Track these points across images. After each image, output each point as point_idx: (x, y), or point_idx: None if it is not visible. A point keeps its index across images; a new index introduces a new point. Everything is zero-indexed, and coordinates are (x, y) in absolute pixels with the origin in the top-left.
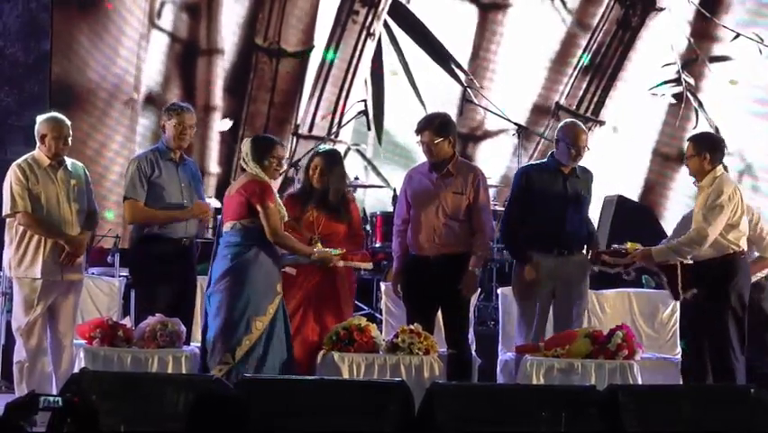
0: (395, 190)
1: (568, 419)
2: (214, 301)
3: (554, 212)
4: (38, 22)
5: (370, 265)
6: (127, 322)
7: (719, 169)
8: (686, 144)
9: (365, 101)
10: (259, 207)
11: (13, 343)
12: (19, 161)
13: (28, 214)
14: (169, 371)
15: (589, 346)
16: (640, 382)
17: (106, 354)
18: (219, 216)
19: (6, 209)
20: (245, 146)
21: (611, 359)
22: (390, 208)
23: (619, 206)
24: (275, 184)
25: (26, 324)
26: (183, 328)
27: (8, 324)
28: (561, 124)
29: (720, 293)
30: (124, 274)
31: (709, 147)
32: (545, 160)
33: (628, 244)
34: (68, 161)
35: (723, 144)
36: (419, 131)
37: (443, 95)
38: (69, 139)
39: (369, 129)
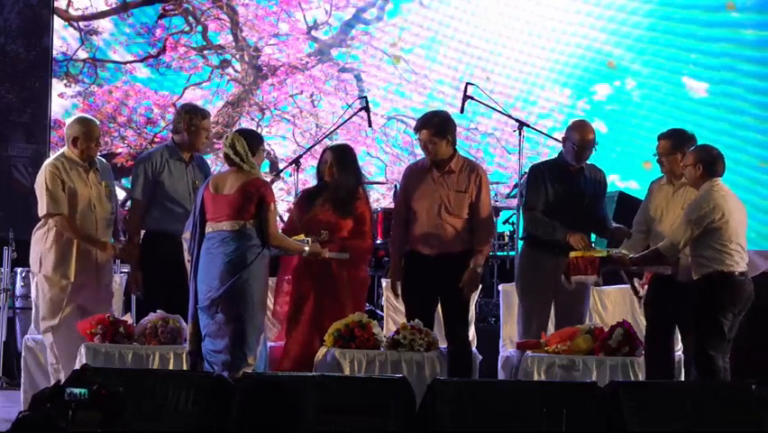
0: (396, 186)
1: (569, 415)
2: (230, 305)
3: (560, 211)
4: (39, 18)
5: (346, 255)
6: (128, 318)
7: (715, 180)
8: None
9: (365, 97)
10: (265, 208)
11: (12, 338)
12: (52, 161)
13: (65, 218)
14: (170, 367)
15: (591, 343)
16: (641, 378)
17: (108, 351)
18: (195, 215)
19: (43, 209)
20: (238, 142)
21: (612, 355)
22: (392, 205)
23: (620, 202)
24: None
25: (55, 325)
26: (184, 325)
27: (9, 320)
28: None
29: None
30: (126, 270)
31: (705, 160)
32: (556, 157)
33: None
34: (96, 160)
35: (720, 159)
36: (418, 129)
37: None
38: (101, 140)
39: (369, 126)
